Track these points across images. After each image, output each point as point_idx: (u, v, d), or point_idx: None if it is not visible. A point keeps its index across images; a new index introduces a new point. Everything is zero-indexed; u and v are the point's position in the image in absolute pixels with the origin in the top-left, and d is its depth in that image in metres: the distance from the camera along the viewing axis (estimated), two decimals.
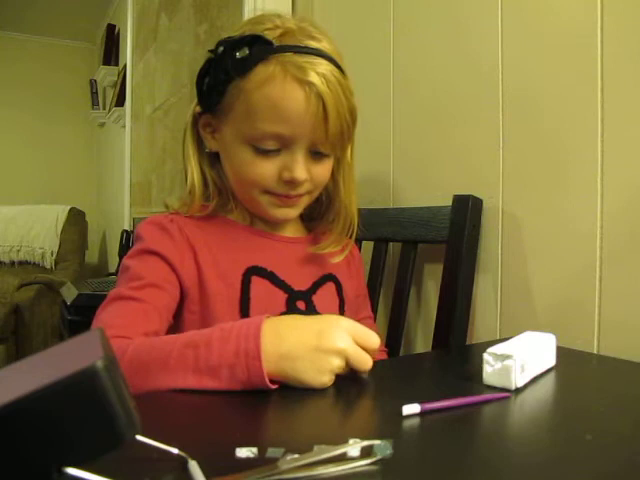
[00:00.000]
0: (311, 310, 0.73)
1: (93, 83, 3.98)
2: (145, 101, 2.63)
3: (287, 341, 0.51)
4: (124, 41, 3.11)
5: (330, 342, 0.50)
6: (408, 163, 1.03)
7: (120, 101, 3.13)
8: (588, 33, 0.71)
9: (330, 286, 0.77)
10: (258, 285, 0.70)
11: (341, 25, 1.22)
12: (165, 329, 0.65)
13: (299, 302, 0.72)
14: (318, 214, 0.80)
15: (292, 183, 0.67)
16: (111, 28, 3.66)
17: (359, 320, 0.76)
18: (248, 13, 1.34)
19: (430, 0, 0.98)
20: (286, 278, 0.72)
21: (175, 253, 0.68)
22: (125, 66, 2.98)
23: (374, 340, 0.53)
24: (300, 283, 0.74)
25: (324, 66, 0.63)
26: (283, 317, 0.55)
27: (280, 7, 1.31)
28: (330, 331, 0.51)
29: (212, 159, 0.73)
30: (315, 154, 0.68)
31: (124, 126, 2.96)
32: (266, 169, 0.66)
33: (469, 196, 0.85)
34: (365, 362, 0.52)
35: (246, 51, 0.63)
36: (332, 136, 0.65)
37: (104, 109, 3.88)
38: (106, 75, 3.56)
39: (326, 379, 0.50)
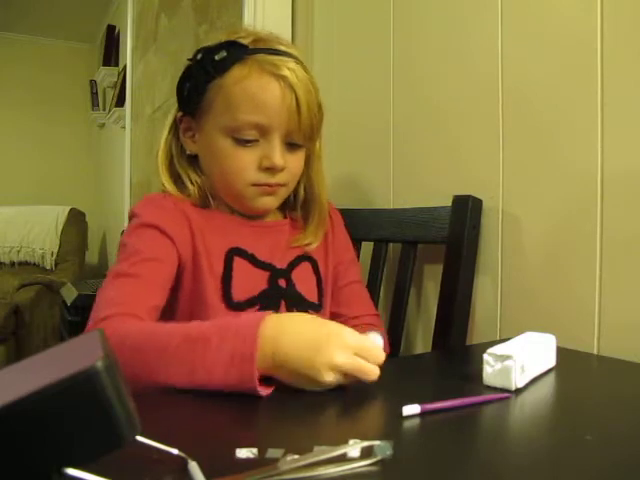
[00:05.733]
0: (291, 287, 0.77)
1: (93, 84, 3.97)
2: (145, 102, 2.63)
3: (283, 349, 0.50)
4: (124, 42, 3.11)
5: (327, 358, 0.49)
6: (408, 163, 1.03)
7: (120, 102, 3.13)
8: (588, 33, 0.71)
9: (306, 265, 0.81)
10: (240, 265, 0.75)
11: (341, 26, 1.22)
12: (164, 301, 0.69)
13: (280, 280, 0.77)
14: (294, 205, 0.84)
15: (272, 169, 0.72)
16: (111, 29, 3.65)
17: (344, 287, 0.83)
18: (248, 14, 1.35)
19: (430, 1, 0.98)
20: (266, 259, 0.77)
21: (172, 225, 0.71)
22: (125, 67, 2.98)
23: (379, 355, 0.52)
24: (279, 263, 0.78)
25: (293, 64, 0.71)
26: (285, 319, 0.55)
27: (280, 7, 1.32)
28: (328, 346, 0.50)
29: (192, 161, 0.78)
30: (289, 145, 0.74)
31: (124, 127, 2.96)
32: (246, 159, 0.72)
33: (469, 196, 0.85)
34: (368, 372, 0.50)
35: (224, 53, 0.71)
36: (304, 126, 0.72)
37: (104, 110, 3.87)
38: (106, 76, 3.56)
39: (319, 389, 0.50)
